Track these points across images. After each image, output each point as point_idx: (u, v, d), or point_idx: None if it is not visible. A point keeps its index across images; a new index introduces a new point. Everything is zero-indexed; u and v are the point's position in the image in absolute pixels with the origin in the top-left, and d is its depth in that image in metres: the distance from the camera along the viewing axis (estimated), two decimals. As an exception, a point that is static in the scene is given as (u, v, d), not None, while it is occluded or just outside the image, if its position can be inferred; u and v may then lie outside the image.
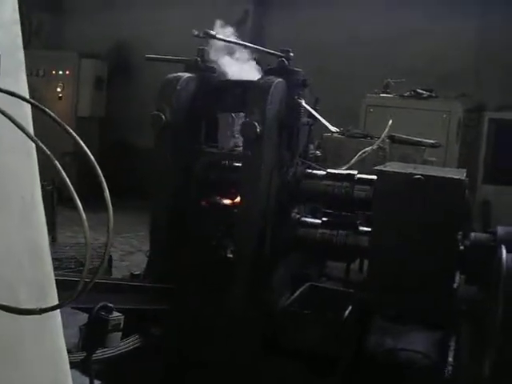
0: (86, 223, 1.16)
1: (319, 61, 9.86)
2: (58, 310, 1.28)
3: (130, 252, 8.02)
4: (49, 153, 1.05)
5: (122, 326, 2.95)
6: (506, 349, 2.77)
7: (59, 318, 1.28)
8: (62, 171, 1.08)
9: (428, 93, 7.60)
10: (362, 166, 4.48)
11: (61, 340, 1.30)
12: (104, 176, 1.29)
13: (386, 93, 7.88)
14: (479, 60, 9.98)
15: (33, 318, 1.11)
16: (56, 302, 1.22)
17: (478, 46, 10.02)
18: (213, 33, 3.79)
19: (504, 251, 3.04)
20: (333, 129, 4.24)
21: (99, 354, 3.04)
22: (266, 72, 4.01)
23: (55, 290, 1.26)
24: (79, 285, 1.03)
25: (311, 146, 4.68)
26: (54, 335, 1.27)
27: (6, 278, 1.09)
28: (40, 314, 1.04)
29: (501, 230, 3.61)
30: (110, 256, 5.83)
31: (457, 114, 7.76)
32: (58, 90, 11.94)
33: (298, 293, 4.25)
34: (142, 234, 7.73)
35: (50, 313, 1.22)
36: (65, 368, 1.40)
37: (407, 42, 10.01)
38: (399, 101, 7.64)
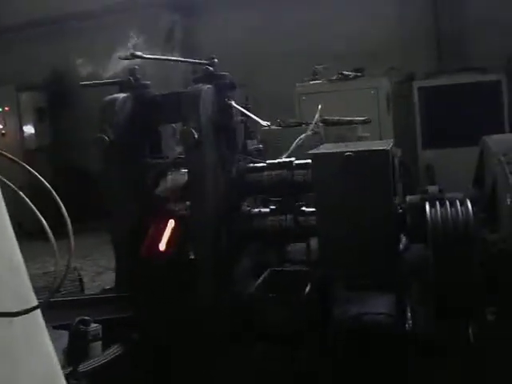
0: (52, 237, 1.41)
1: (250, 59, 10.18)
2: (40, 315, 1.54)
3: (98, 272, 8.22)
4: (13, 186, 1.30)
5: (100, 335, 3.19)
6: (440, 298, 3.12)
7: (42, 320, 1.54)
8: (28, 200, 1.32)
9: (354, 73, 7.97)
10: (302, 153, 4.78)
11: (47, 338, 1.56)
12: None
13: (316, 79, 8.22)
14: (402, 32, 10.41)
15: (20, 320, 1.37)
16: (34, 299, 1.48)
17: (398, 18, 10.44)
18: (138, 53, 4.05)
19: (428, 206, 3.38)
20: (264, 123, 4.53)
21: (84, 365, 3.26)
22: (195, 80, 4.29)
23: (35, 298, 1.52)
24: (53, 285, 1.29)
25: (254, 141, 4.96)
26: (39, 334, 1.52)
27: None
28: (26, 313, 1.29)
29: (430, 189, 3.94)
30: (81, 278, 6.02)
31: (384, 88, 8.15)
32: (0, 126, 11.98)
33: (260, 280, 4.53)
34: (108, 253, 7.90)
35: (35, 315, 1.49)
36: (54, 364, 1.66)
37: (330, 27, 10.38)
38: (328, 85, 7.99)
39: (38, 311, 1.58)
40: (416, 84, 9.24)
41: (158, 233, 4.30)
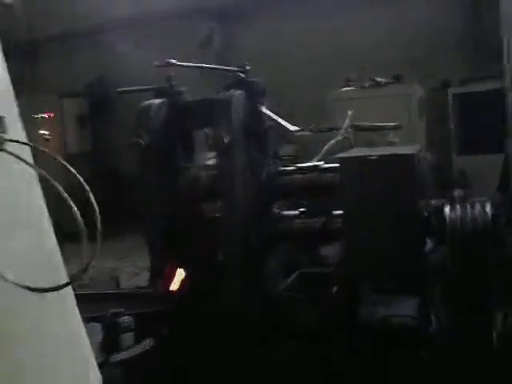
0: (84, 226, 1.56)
1: (286, 66, 10.32)
2: (73, 294, 1.70)
3: (136, 273, 8.37)
4: (56, 184, 1.43)
5: (133, 326, 3.36)
6: (458, 297, 3.19)
7: (73, 299, 1.70)
8: (69, 200, 1.45)
9: (385, 80, 8.05)
10: (331, 157, 4.89)
11: (77, 317, 1.72)
12: (99, 205, 1.64)
13: (349, 86, 8.32)
14: (437, 40, 10.39)
15: (54, 298, 1.53)
16: (70, 288, 1.65)
17: (432, 25, 10.42)
18: (173, 61, 4.23)
19: (447, 209, 3.46)
20: (292, 128, 4.66)
21: (117, 356, 3.42)
22: (227, 87, 4.45)
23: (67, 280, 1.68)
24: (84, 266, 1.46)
25: (286, 145, 5.10)
26: (71, 312, 1.69)
27: (32, 276, 1.50)
28: (62, 288, 1.44)
29: (454, 192, 4.02)
30: (117, 278, 6.24)
31: (416, 94, 8.19)
32: (44, 132, 12.31)
33: (289, 281, 4.64)
34: (146, 254, 8.05)
35: (66, 294, 1.65)
36: (86, 343, 1.82)
37: (368, 35, 10.43)
38: (361, 92, 8.07)
39: (72, 298, 1.74)
40: (451, 91, 9.25)
41: (171, 273, 4.44)
